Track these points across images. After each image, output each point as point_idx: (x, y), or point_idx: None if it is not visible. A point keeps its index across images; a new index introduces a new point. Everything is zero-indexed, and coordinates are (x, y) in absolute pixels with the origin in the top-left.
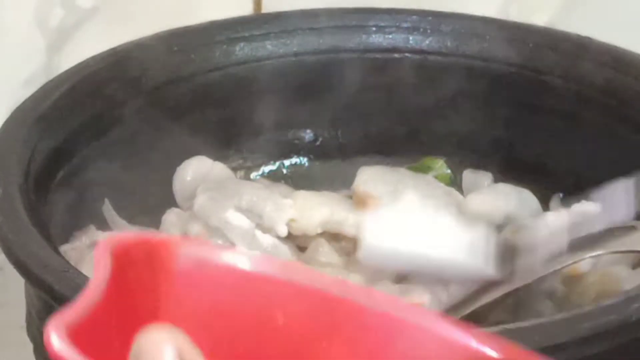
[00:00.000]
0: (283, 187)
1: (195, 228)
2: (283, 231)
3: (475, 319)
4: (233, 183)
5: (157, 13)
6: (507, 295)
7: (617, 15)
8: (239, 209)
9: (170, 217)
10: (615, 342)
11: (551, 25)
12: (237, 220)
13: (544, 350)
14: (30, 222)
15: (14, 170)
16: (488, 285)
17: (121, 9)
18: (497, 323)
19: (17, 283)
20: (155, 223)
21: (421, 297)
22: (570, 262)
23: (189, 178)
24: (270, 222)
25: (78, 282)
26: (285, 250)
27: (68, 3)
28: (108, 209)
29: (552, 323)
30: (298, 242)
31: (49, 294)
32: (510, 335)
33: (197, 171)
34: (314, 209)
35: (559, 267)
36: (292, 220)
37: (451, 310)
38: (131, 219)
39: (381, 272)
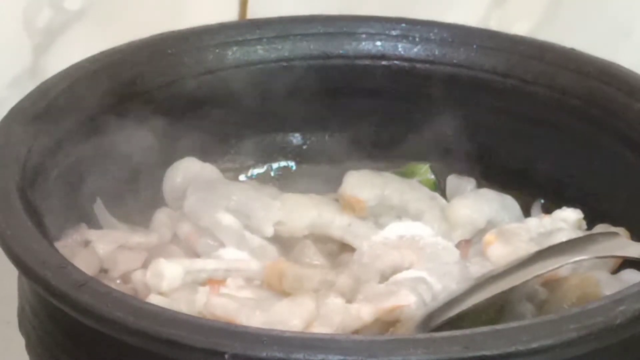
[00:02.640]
0: (271, 190)
1: (185, 228)
2: (269, 232)
3: (461, 321)
4: (222, 184)
5: (143, 17)
6: (492, 298)
7: (596, 26)
8: (228, 210)
9: (161, 216)
10: (600, 344)
11: (531, 35)
12: (227, 220)
13: (531, 351)
14: (27, 219)
15: (11, 168)
16: (474, 287)
17: (108, 11)
18: (484, 324)
19: (1, 279)
20: (146, 222)
21: (407, 298)
22: (556, 266)
23: (178, 179)
24: (257, 223)
25: (75, 277)
26: (272, 251)
27: (56, 5)
28: (99, 208)
29: (540, 324)
30: (284, 243)
31: (46, 289)
32: (499, 335)
33: (187, 172)
34: (301, 212)
35: (543, 271)
36: (278, 223)
37: (437, 312)
38: (122, 218)
39: (367, 273)
